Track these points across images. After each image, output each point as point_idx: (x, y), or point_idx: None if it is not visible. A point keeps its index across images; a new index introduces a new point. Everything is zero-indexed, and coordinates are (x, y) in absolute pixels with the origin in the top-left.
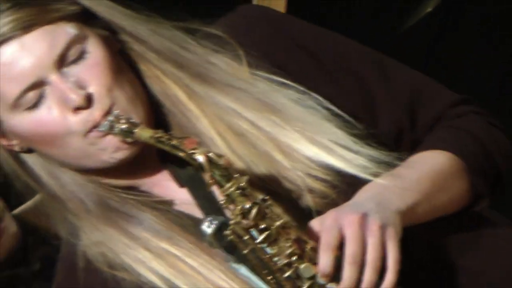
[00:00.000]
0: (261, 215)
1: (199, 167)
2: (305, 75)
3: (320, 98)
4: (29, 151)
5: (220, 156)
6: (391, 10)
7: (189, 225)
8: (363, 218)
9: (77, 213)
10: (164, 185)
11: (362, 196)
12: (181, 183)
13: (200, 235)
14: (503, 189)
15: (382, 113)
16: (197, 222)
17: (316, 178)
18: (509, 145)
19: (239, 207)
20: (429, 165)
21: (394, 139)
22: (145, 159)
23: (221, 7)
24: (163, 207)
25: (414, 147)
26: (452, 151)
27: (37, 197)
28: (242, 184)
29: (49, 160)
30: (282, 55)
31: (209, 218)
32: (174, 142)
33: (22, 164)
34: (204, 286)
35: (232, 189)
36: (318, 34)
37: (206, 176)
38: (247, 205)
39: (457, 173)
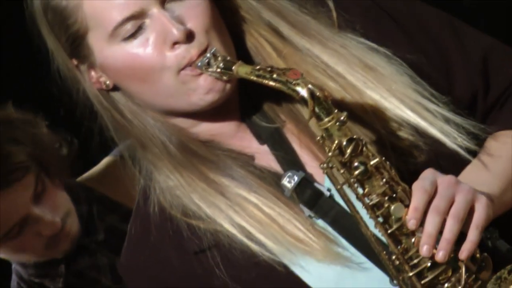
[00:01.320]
0: (357, 152)
1: (301, 99)
2: (390, 41)
3: (404, 64)
4: (114, 89)
5: (321, 89)
6: None
7: (269, 179)
8: (458, 181)
9: (158, 155)
10: (243, 138)
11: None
12: (262, 139)
13: (280, 189)
14: None
15: (458, 78)
16: (277, 177)
17: (401, 137)
18: None
19: (336, 141)
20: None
21: (468, 106)
22: (227, 112)
23: None
24: (243, 159)
25: (486, 115)
26: None
27: (104, 164)
28: (342, 118)
29: (133, 99)
30: (370, 21)
31: (289, 173)
32: (276, 74)
33: (110, 101)
34: (280, 235)
35: (331, 123)
36: (400, 2)
37: (308, 109)
38: (344, 141)
39: None
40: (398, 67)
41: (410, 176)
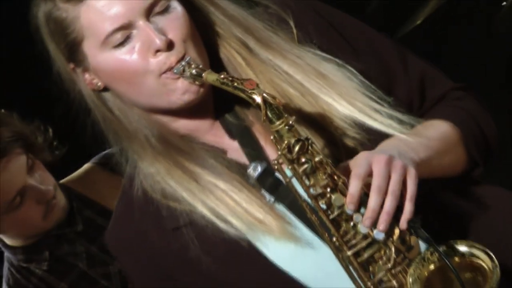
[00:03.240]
0: (303, 151)
1: (256, 105)
2: (341, 53)
3: (354, 70)
4: (105, 89)
5: (274, 97)
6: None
7: (237, 169)
8: (390, 159)
9: (141, 146)
10: (216, 134)
11: (386, 145)
12: (232, 135)
13: (246, 178)
14: (492, 164)
15: (398, 90)
16: (244, 167)
17: (349, 136)
18: (495, 127)
19: (285, 142)
20: (438, 130)
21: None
22: (203, 110)
23: None
24: (215, 151)
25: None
26: (454, 123)
27: (83, 169)
28: (290, 122)
29: (121, 98)
30: (323, 35)
31: (253, 165)
32: (236, 83)
33: (101, 99)
34: (244, 216)
35: (281, 126)
36: (350, 21)
37: (263, 115)
38: (293, 140)
39: (458, 142)
40: (348, 74)
41: None
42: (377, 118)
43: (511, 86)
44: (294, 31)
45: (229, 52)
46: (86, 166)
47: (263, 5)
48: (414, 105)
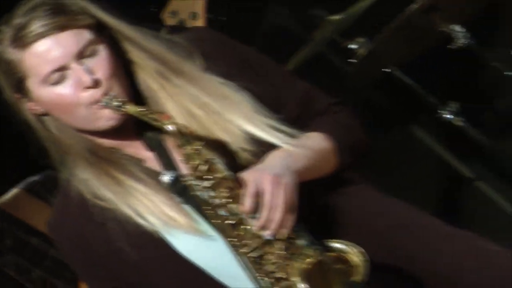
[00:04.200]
0: (208, 169)
1: (170, 133)
2: (241, 79)
3: (250, 94)
4: (46, 114)
5: (185, 127)
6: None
7: (153, 176)
8: (275, 178)
9: (76, 157)
10: (137, 147)
11: (274, 158)
12: (150, 148)
13: (160, 183)
14: (362, 162)
15: (286, 107)
16: (159, 175)
17: (246, 148)
18: (364, 134)
19: (194, 163)
20: (315, 142)
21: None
22: (125, 130)
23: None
24: (135, 161)
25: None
26: (330, 134)
27: (13, 193)
28: (197, 147)
29: (59, 121)
30: (227, 64)
31: (166, 173)
32: (153, 115)
33: (42, 122)
34: (158, 213)
35: (190, 150)
36: (252, 53)
37: (174, 140)
38: (200, 161)
39: (332, 150)
40: (246, 96)
41: None
42: (268, 132)
43: None
44: (202, 62)
45: (147, 80)
46: (15, 190)
47: (178, 42)
48: (300, 119)
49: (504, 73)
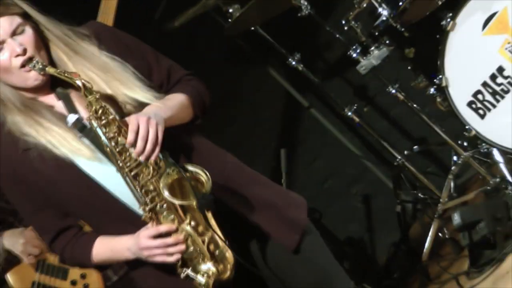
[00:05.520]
0: (103, 113)
1: (78, 87)
2: (123, 56)
3: (129, 66)
4: None
5: (88, 82)
6: None
7: (61, 118)
8: (149, 119)
9: (8, 106)
10: (50, 98)
11: (147, 109)
12: (59, 97)
13: (66, 123)
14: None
15: (154, 77)
16: (65, 117)
17: (128, 104)
18: (208, 94)
19: (94, 108)
20: (176, 99)
21: (158, 89)
22: (44, 86)
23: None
24: (49, 107)
25: (167, 93)
26: (187, 94)
27: None
28: (96, 97)
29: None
30: (114, 46)
31: (70, 115)
32: (67, 74)
33: None
34: (67, 144)
35: (91, 98)
36: (129, 37)
37: (78, 93)
38: (98, 107)
39: (188, 104)
40: (126, 68)
41: None
42: (142, 94)
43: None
44: (96, 43)
45: (59, 53)
46: None
47: (81, 31)
48: (163, 86)
49: (336, 35)
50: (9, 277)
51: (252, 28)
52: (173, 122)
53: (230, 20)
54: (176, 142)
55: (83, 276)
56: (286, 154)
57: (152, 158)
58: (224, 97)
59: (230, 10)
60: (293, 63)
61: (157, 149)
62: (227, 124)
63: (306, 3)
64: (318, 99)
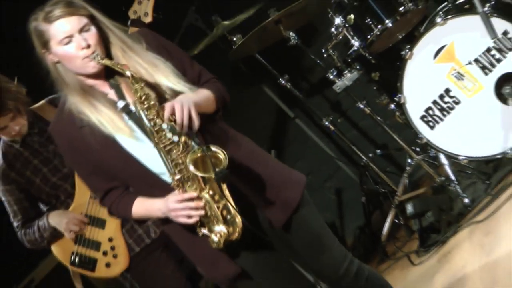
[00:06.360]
0: (146, 99)
1: (127, 76)
2: (164, 57)
3: (170, 65)
4: (58, 62)
5: (136, 73)
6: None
7: (112, 103)
8: (181, 104)
9: (70, 89)
10: (105, 87)
11: (180, 97)
12: (111, 87)
13: (116, 107)
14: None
15: (188, 76)
16: (115, 102)
17: (168, 93)
18: (228, 94)
19: (138, 94)
20: (204, 93)
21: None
22: (100, 76)
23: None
24: (103, 94)
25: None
26: (212, 91)
27: (41, 103)
28: (142, 85)
29: (65, 66)
30: (158, 48)
31: (120, 101)
32: (119, 65)
33: (55, 67)
34: (114, 125)
35: (136, 87)
36: (171, 44)
37: (127, 83)
38: (142, 94)
39: (212, 99)
40: (168, 66)
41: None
42: (179, 86)
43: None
44: (144, 45)
45: (115, 49)
46: (42, 102)
47: (132, 34)
48: (194, 84)
49: (317, 61)
50: (53, 249)
51: (251, 55)
52: (199, 109)
53: (233, 47)
54: (202, 127)
55: (112, 248)
56: (276, 154)
57: (195, 126)
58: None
59: (234, 39)
60: (283, 82)
61: (190, 126)
62: None
63: (294, 35)
64: (302, 111)
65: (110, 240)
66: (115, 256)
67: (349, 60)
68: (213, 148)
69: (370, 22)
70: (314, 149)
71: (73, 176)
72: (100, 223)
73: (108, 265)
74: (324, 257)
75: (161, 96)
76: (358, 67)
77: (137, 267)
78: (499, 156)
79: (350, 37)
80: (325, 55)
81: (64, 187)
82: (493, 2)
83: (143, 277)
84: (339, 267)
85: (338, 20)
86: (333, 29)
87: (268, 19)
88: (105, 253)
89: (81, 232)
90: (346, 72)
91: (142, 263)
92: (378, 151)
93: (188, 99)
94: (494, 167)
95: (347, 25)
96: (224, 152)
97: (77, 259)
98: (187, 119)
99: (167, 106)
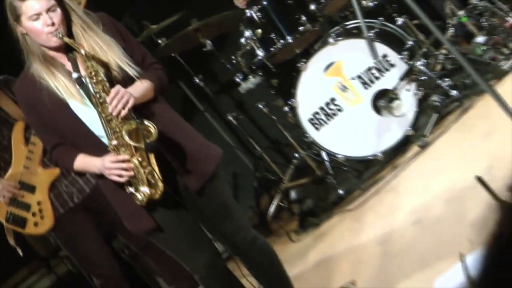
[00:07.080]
0: (95, 74)
1: (82, 54)
2: (117, 39)
3: (120, 47)
4: (27, 34)
5: (89, 52)
6: None
7: (68, 73)
8: (125, 91)
9: (34, 57)
10: (63, 58)
11: (128, 89)
12: (69, 60)
13: (70, 77)
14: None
15: (134, 58)
16: (71, 73)
17: (118, 73)
18: (167, 80)
19: (89, 70)
20: (145, 84)
21: (137, 65)
22: (60, 49)
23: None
24: (61, 65)
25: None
26: (151, 81)
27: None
28: (93, 63)
29: (32, 38)
30: (112, 31)
31: (74, 73)
32: (76, 44)
33: (24, 38)
34: (67, 90)
35: (89, 63)
36: (125, 29)
37: (82, 59)
38: (92, 70)
39: (152, 87)
40: (118, 46)
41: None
42: (127, 66)
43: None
44: (101, 27)
45: (76, 28)
46: None
47: (91, 15)
48: (139, 65)
49: (227, 65)
50: None
51: (172, 55)
52: (140, 100)
53: (159, 48)
54: (139, 105)
55: (40, 210)
56: None
57: (122, 114)
58: None
59: (159, 41)
60: (197, 80)
61: (124, 112)
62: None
63: (209, 42)
64: (211, 107)
65: (39, 203)
66: (42, 217)
67: (254, 67)
68: (146, 122)
69: (274, 37)
70: (218, 139)
71: (11, 148)
72: (31, 189)
73: (36, 224)
74: (227, 222)
75: (111, 73)
76: (260, 73)
77: (60, 225)
78: (370, 157)
79: (256, 48)
80: (234, 61)
81: (4, 157)
82: (377, 30)
83: (64, 234)
84: (239, 233)
85: (247, 33)
86: (242, 40)
87: (189, 27)
88: (34, 214)
89: (15, 196)
90: (250, 77)
91: (65, 222)
92: (272, 145)
93: (131, 92)
94: (365, 166)
95: (255, 38)
96: (155, 126)
97: (11, 218)
98: (123, 104)
99: (114, 88)
